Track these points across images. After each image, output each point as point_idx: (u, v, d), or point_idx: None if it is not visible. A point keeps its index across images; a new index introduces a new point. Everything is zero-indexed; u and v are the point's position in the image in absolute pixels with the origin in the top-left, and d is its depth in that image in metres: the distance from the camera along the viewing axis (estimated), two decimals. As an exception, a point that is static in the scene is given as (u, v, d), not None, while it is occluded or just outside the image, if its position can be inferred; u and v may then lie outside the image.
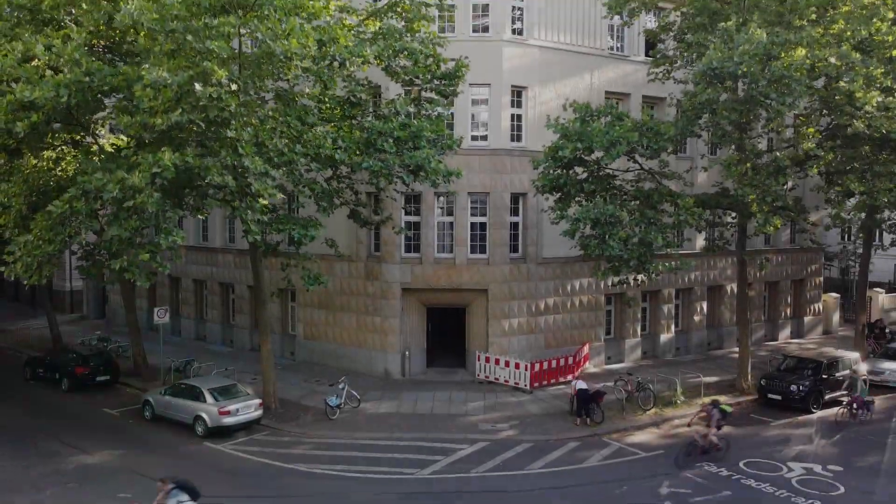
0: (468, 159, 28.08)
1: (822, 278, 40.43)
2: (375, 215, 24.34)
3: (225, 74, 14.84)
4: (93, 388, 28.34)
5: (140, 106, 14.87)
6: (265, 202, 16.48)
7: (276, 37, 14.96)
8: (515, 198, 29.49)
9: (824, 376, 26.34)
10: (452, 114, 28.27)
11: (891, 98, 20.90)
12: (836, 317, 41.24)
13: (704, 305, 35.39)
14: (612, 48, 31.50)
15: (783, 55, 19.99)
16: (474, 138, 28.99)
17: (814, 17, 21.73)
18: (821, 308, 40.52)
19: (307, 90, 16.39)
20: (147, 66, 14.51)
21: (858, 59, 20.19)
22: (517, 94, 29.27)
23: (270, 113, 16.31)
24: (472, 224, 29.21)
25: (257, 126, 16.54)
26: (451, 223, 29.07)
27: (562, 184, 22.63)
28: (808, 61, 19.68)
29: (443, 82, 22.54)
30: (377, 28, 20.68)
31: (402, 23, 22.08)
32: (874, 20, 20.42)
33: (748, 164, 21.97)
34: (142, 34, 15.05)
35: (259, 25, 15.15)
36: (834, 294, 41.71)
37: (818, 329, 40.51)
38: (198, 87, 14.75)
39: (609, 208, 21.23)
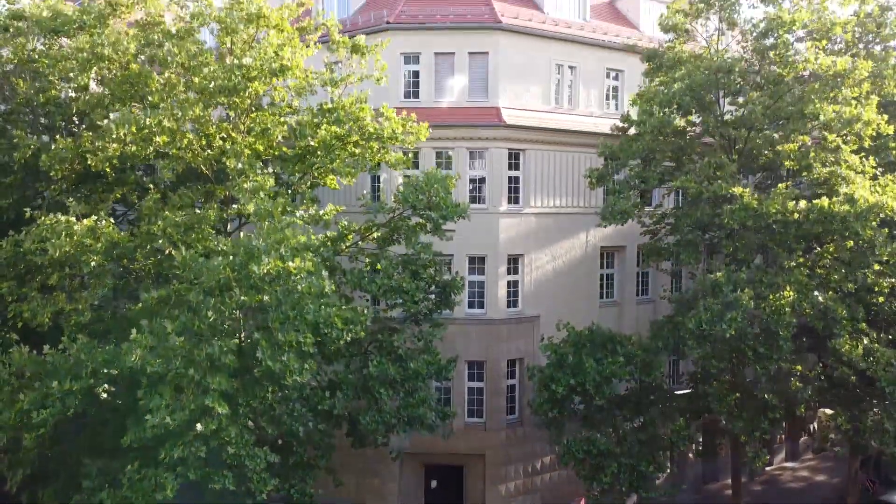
0: (465, 328, 28.64)
1: (816, 401, 40.78)
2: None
3: (226, 408, 15.39)
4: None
5: (143, 435, 15.49)
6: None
7: (275, 354, 15.51)
8: (512, 362, 29.98)
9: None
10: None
11: (876, 345, 21.46)
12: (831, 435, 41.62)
13: (700, 438, 35.79)
14: (607, 204, 31.98)
15: (771, 297, 20.55)
16: (471, 305, 29.49)
17: (801, 259, 22.27)
18: (815, 427, 40.95)
19: (306, 370, 16.89)
20: (148, 415, 15.11)
21: (845, 315, 20.76)
22: (513, 261, 29.76)
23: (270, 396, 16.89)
24: (470, 389, 29.72)
25: (258, 411, 17.14)
26: (449, 388, 29.54)
27: (555, 414, 23.19)
28: (793, 320, 20.26)
29: (440, 299, 23.02)
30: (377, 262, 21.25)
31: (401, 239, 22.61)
32: (861, 266, 21.00)
33: (737, 395, 22.55)
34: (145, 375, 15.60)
35: (260, 339, 15.68)
36: (828, 410, 42.08)
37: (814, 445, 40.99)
38: (199, 426, 15.31)
39: (602, 440, 21.81)
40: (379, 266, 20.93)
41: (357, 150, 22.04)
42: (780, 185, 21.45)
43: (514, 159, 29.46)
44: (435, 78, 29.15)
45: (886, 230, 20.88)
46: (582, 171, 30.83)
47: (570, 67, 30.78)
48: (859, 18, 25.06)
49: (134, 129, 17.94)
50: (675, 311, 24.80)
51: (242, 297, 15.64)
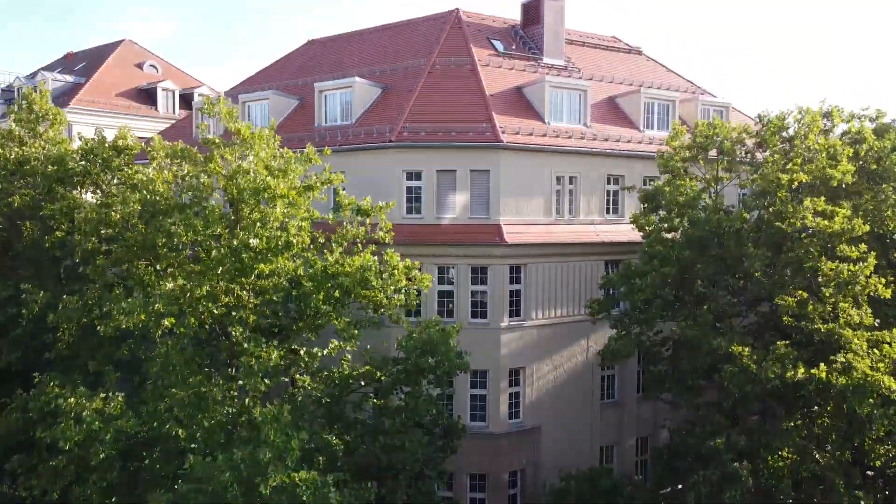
0: (467, 443, 28.83)
1: None
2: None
3: None
4: None
5: None
6: None
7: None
8: (514, 473, 30.27)
9: None
10: (451, 396, 29.14)
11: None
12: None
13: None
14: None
15: (770, 459, 20.84)
16: (472, 418, 29.76)
17: (800, 420, 22.52)
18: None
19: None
20: None
21: (842, 484, 20.96)
22: (515, 373, 30.03)
23: None
24: (472, 499, 29.99)
25: None
26: (451, 497, 29.84)
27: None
28: (792, 493, 20.53)
29: (443, 443, 23.36)
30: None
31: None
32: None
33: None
34: None
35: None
36: None
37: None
38: None
39: None
40: (385, 419, 21.27)
41: (364, 293, 22.27)
42: (779, 342, 21.69)
43: (515, 273, 29.72)
44: (437, 194, 29.39)
45: (882, 405, 20.91)
46: (582, 280, 31.22)
47: (571, 178, 31.06)
48: (860, 155, 25.29)
49: (143, 316, 18.24)
50: (673, 439, 25.01)
51: (250, 516, 15.99)
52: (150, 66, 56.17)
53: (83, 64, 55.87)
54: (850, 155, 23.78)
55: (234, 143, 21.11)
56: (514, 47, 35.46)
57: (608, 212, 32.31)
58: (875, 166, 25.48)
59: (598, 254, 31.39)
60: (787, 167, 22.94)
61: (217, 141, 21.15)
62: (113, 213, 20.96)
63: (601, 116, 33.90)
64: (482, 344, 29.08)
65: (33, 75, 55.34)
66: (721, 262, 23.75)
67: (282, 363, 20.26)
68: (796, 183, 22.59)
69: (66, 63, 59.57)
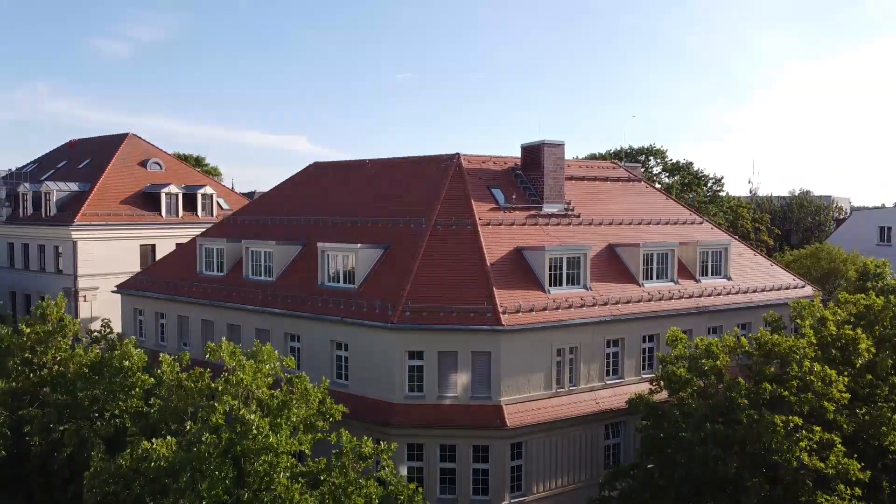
0: None
1: None
2: None
3: None
4: None
5: None
6: None
7: None
8: None
9: None
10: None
11: None
12: None
13: None
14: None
15: None
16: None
17: None
18: None
19: None
20: None
21: None
22: (516, 545, 30.40)
23: None
24: None
25: None
26: None
27: None
28: None
29: None
30: None
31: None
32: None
33: None
34: None
35: None
36: None
37: None
38: None
39: None
40: None
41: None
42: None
43: (516, 449, 30.03)
44: (438, 374, 29.71)
45: None
46: (584, 447, 31.58)
47: (572, 349, 31.40)
48: (853, 365, 25.60)
49: None
50: None
51: None
52: (154, 163, 56.49)
53: (87, 162, 56.12)
54: (847, 383, 24.10)
55: (238, 386, 21.55)
56: (514, 196, 35.77)
57: (608, 374, 32.64)
58: (869, 376, 25.81)
59: (599, 420, 31.75)
60: (782, 394, 23.25)
61: (221, 388, 21.60)
62: (122, 462, 21.33)
63: (601, 270, 34.14)
64: (483, 519, 29.49)
65: (37, 179, 55.64)
66: (718, 489, 24.05)
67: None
68: (792, 425, 22.92)
69: (70, 153, 59.94)
